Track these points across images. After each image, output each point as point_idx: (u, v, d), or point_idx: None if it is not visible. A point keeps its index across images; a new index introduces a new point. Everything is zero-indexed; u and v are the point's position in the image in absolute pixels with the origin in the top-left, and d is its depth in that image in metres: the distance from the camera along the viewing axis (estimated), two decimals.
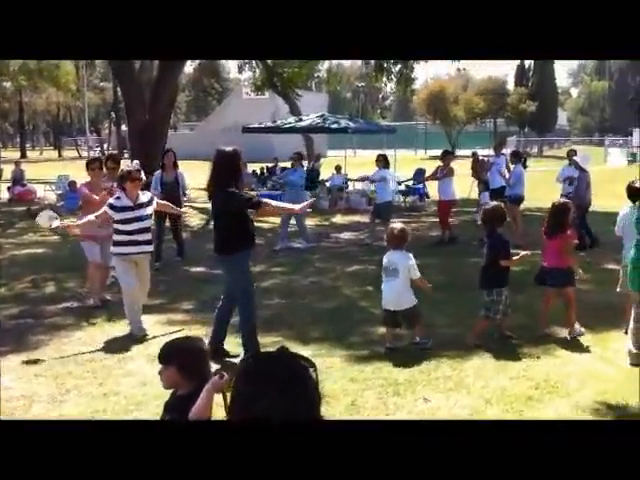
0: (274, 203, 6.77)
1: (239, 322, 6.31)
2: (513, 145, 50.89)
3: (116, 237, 6.99)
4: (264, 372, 1.63)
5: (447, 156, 13.21)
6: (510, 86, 60.05)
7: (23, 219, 16.71)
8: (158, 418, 4.38)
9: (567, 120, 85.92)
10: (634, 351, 5.94)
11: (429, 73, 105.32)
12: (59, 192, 20.57)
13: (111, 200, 6.97)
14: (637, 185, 6.67)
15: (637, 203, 6.24)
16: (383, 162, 13.34)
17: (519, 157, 13.92)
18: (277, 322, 7.39)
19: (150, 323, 7.26)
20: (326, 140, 45.54)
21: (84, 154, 52.73)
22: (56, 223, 7.17)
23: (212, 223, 6.70)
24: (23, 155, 52.27)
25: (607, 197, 17.11)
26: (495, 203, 7.32)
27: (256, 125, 21.39)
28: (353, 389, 5.44)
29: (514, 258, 6.66)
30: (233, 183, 5.98)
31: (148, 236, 7.12)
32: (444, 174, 12.88)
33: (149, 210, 7.09)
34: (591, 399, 5.15)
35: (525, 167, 13.59)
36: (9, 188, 22.50)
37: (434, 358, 6.08)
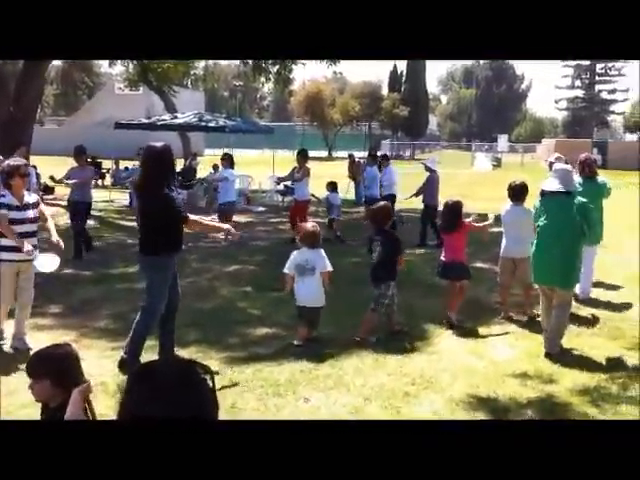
0: (204, 221, 6.20)
1: (138, 320, 5.83)
2: (387, 149, 52.55)
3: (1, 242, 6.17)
4: (155, 378, 1.58)
5: (301, 157, 13.17)
6: (384, 91, 61.85)
7: None
8: None
9: (437, 125, 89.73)
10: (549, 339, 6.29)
11: (306, 75, 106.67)
12: None
13: None
14: (519, 184, 7.43)
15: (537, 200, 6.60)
16: (228, 162, 13.35)
17: (375, 159, 14.36)
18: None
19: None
20: (203, 138, 44.91)
21: None
22: None
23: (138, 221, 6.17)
24: None
25: (475, 199, 18.00)
26: (382, 202, 7.52)
27: (129, 121, 20.68)
28: (233, 391, 5.35)
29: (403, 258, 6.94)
30: (165, 181, 5.63)
31: (35, 241, 6.35)
32: (301, 175, 12.96)
33: (36, 212, 6.33)
34: (463, 393, 5.34)
35: (380, 169, 14.01)
36: None
37: (314, 357, 6.09)
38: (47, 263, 6.47)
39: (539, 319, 6.92)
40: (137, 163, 12.57)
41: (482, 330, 7.08)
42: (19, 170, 6.19)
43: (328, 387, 5.45)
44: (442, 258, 7.37)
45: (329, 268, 6.53)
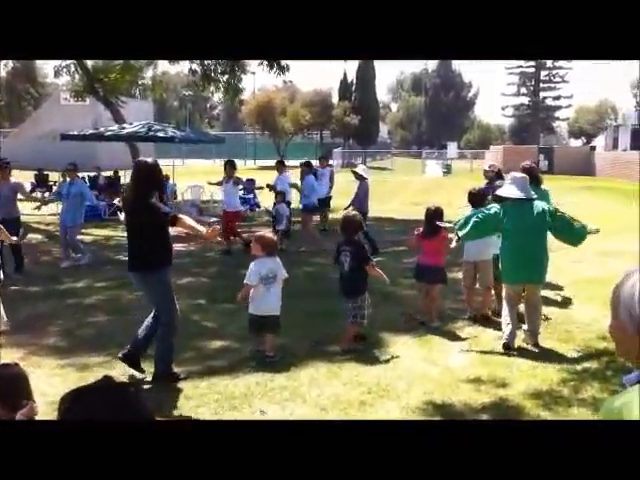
0: (189, 221, 6.04)
1: (162, 338, 5.87)
2: (339, 157, 52.84)
3: None
4: (88, 404, 1.53)
5: (229, 166, 13.12)
6: (335, 99, 62.19)
7: None
8: None
9: (388, 133, 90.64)
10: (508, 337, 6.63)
11: (257, 84, 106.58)
12: None
13: None
14: (478, 190, 7.89)
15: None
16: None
17: (311, 168, 14.44)
18: (105, 340, 6.99)
19: None
20: (153, 149, 44.35)
21: None
22: None
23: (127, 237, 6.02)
24: None
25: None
26: (353, 212, 7.54)
27: (76, 132, 20.28)
28: (188, 406, 5.27)
29: (377, 270, 6.87)
30: (155, 196, 5.66)
31: None
32: (231, 184, 12.91)
33: None
34: (419, 400, 5.37)
35: (316, 177, 14.13)
36: None
37: (269, 369, 6.04)
38: None
39: (496, 318, 7.23)
40: (68, 178, 12.14)
41: (437, 337, 7.13)
42: None
43: (284, 399, 5.41)
44: (419, 261, 7.70)
45: (286, 275, 6.54)
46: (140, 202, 5.66)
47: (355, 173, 12.89)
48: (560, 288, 9.18)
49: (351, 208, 10.75)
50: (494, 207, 6.80)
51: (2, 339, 7.11)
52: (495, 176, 9.03)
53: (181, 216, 5.95)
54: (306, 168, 14.20)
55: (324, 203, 15.03)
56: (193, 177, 26.70)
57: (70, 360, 6.41)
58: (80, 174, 23.71)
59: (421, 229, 7.70)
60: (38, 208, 12.82)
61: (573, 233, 6.73)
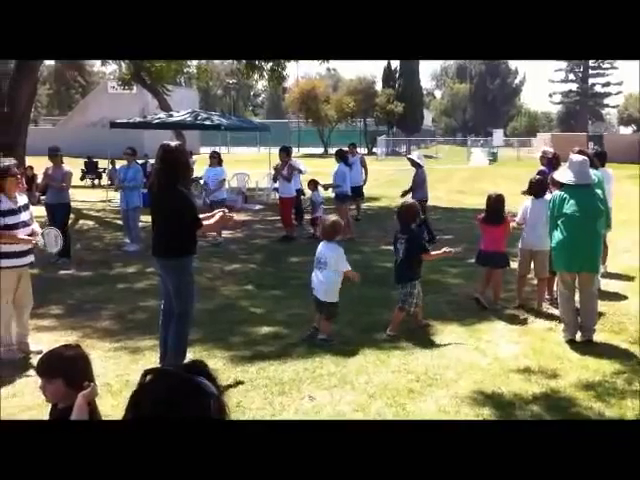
0: (207, 223, 5.80)
1: (177, 331, 5.67)
2: (383, 145, 52.58)
3: (2, 248, 5.91)
4: (158, 388, 1.58)
5: (284, 153, 13.13)
6: (378, 87, 61.78)
7: None
8: None
9: (432, 121, 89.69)
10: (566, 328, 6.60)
11: (300, 72, 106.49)
12: None
13: None
14: (539, 179, 7.87)
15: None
16: (217, 160, 13.37)
17: (342, 156, 14.33)
18: (154, 325, 7.09)
19: (16, 330, 6.76)
20: (198, 137, 44.82)
21: None
22: None
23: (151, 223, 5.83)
24: None
25: (475, 194, 18.02)
26: (410, 200, 7.61)
27: (125, 120, 20.61)
28: (237, 390, 5.33)
29: (434, 253, 6.97)
30: (181, 181, 5.53)
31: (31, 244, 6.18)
32: (286, 172, 12.90)
33: (28, 214, 6.15)
34: (469, 389, 5.34)
35: (348, 165, 14.01)
36: None
37: (318, 355, 6.09)
38: (52, 242, 6.46)
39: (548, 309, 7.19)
40: (125, 162, 12.41)
41: (485, 327, 7.08)
42: (10, 171, 6.00)
43: (332, 385, 5.44)
44: (482, 248, 7.80)
45: (341, 267, 6.50)
46: (165, 187, 5.55)
47: (411, 160, 12.71)
48: (610, 277, 9.01)
49: (409, 196, 10.73)
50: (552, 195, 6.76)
51: (57, 322, 7.32)
52: (550, 161, 8.86)
53: (204, 223, 5.72)
54: (336, 156, 14.14)
55: (357, 192, 14.83)
56: (238, 165, 26.92)
57: (123, 343, 6.56)
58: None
59: (482, 216, 7.72)
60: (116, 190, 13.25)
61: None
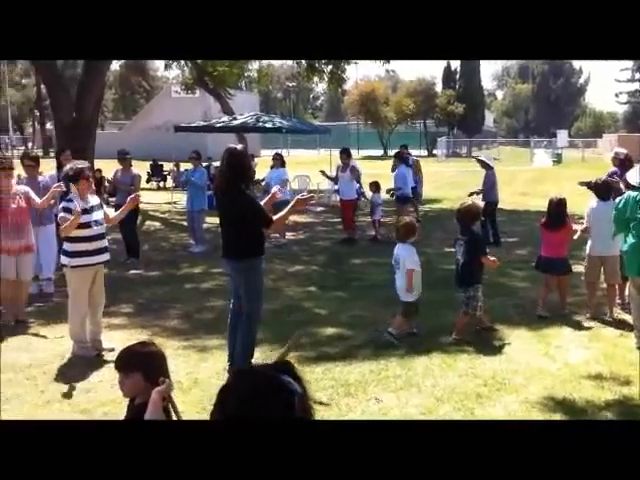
0: (277, 217, 5.90)
1: (245, 332, 5.79)
2: (444, 146, 52.07)
3: (72, 246, 6.14)
4: (243, 386, 1.59)
5: (345, 155, 13.07)
6: (438, 88, 61.20)
7: None
8: None
9: (493, 121, 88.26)
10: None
11: (359, 74, 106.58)
12: None
13: (65, 204, 6.14)
14: (605, 181, 7.60)
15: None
16: (279, 161, 13.46)
17: (401, 158, 14.19)
18: (223, 324, 7.20)
19: (90, 327, 6.98)
20: (259, 140, 45.32)
21: (7, 154, 50.74)
22: None
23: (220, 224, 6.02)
24: None
25: (538, 196, 17.66)
26: (471, 202, 7.50)
27: (189, 124, 21.02)
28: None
29: (491, 259, 6.74)
30: (245, 183, 5.69)
31: (105, 242, 6.42)
32: (347, 174, 12.87)
33: (100, 214, 6.36)
34: (539, 395, 5.25)
35: (409, 166, 13.87)
36: None
37: (383, 357, 6.08)
38: None
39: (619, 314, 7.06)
40: (191, 166, 12.67)
41: (553, 332, 6.93)
42: (83, 173, 6.20)
43: (399, 387, 5.43)
44: (542, 253, 7.59)
45: (409, 266, 6.53)
46: (231, 189, 5.64)
47: (481, 162, 12.53)
48: None
49: (477, 198, 10.58)
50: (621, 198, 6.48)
51: (128, 320, 7.52)
52: (622, 162, 8.61)
53: (273, 218, 5.80)
54: (396, 159, 14.05)
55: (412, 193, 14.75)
56: (299, 167, 27.10)
57: (191, 342, 6.70)
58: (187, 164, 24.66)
59: (543, 220, 7.54)
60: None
61: None
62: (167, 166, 26.28)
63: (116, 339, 6.68)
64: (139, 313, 7.81)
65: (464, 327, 6.70)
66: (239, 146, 5.88)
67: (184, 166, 25.97)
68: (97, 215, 6.30)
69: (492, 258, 6.75)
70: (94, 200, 6.39)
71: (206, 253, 11.58)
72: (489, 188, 11.96)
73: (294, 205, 5.87)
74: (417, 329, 6.76)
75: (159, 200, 20.11)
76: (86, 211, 6.18)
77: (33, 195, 7.37)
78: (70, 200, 6.16)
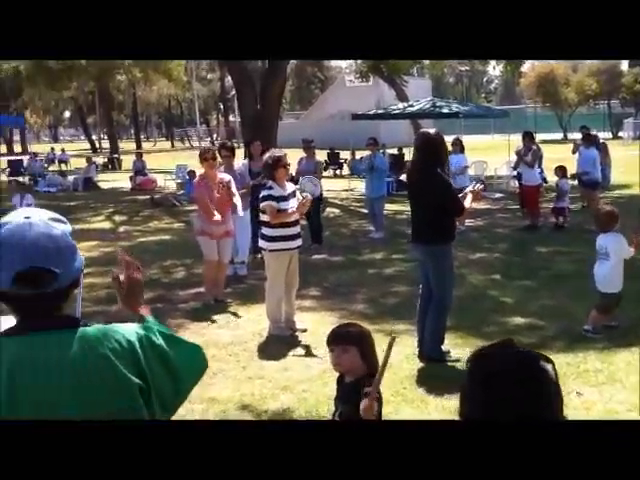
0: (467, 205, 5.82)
1: (435, 319, 5.76)
2: (630, 128, 48.43)
3: (271, 232, 6.46)
4: (496, 371, 1.54)
5: (528, 139, 12.54)
6: (624, 67, 56.93)
7: (147, 207, 17.45)
8: (298, 401, 4.44)
9: None
10: None
11: None
12: (179, 181, 21.33)
13: (266, 191, 6.47)
14: None
15: None
16: (459, 147, 13.10)
17: (591, 140, 13.18)
18: (408, 310, 7.28)
19: (284, 308, 7.33)
20: (431, 126, 44.80)
21: (195, 144, 54.40)
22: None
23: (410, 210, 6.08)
24: (138, 146, 54.03)
25: None
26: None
27: (366, 112, 21.28)
28: None
29: None
30: (440, 169, 5.69)
31: (299, 228, 6.71)
32: (530, 158, 12.31)
33: (295, 201, 6.59)
34: None
35: (598, 150, 12.85)
36: (131, 178, 23.54)
37: (580, 350, 5.83)
38: (312, 187, 6.89)
39: None
40: (368, 153, 12.82)
41: None
42: (281, 162, 6.48)
43: (600, 382, 5.18)
44: None
45: (626, 255, 6.15)
46: (427, 175, 5.59)
47: None
48: None
49: None
50: None
51: (317, 303, 7.82)
52: None
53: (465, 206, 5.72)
54: (584, 140, 13.20)
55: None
56: (474, 153, 26.47)
57: (379, 326, 6.79)
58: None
59: None
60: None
61: None
62: (343, 154, 26.83)
63: (307, 320, 6.98)
64: (326, 296, 8.08)
65: None
66: (432, 130, 5.86)
67: (359, 154, 26.49)
68: (293, 202, 6.56)
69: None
70: (290, 187, 6.67)
71: (385, 239, 11.72)
72: None
73: (472, 198, 5.80)
74: (617, 321, 6.39)
75: (337, 187, 20.60)
76: (284, 198, 6.46)
77: (233, 186, 7.88)
78: (270, 187, 6.48)
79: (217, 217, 7.54)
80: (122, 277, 2.03)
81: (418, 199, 5.82)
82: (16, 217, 1.69)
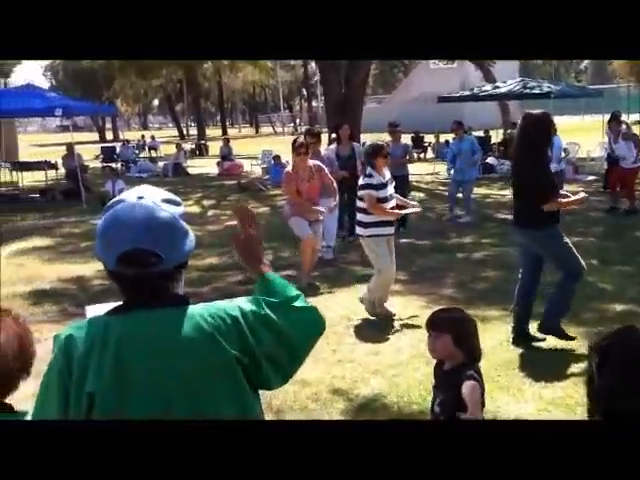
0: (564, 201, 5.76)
1: (567, 287, 5.68)
2: None
3: (367, 218, 6.51)
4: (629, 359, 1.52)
5: (614, 121, 12.24)
6: None
7: (234, 192, 17.77)
8: (389, 386, 4.42)
9: None
10: None
11: None
12: (264, 166, 21.63)
13: (366, 180, 6.50)
14: None
15: None
16: (554, 129, 12.58)
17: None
18: (499, 295, 7.13)
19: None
20: (521, 107, 43.53)
21: (279, 130, 55.00)
22: None
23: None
24: (224, 132, 55.04)
25: None
26: None
27: (452, 94, 20.89)
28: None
29: None
30: (542, 152, 5.58)
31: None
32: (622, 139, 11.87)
33: (392, 188, 6.66)
34: None
35: None
36: (218, 163, 24.04)
37: None
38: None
39: None
40: (453, 137, 12.58)
41: None
42: (382, 151, 6.56)
43: None
44: None
45: None
46: (531, 158, 5.45)
47: None
48: None
49: None
50: None
51: (405, 287, 7.76)
52: None
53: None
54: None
55: None
56: (565, 135, 25.56)
57: (471, 311, 6.54)
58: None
59: None
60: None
61: None
62: (427, 137, 26.44)
63: (397, 304, 6.93)
64: (414, 280, 8.01)
65: None
66: (536, 111, 5.63)
67: (443, 137, 26.05)
68: (390, 190, 6.58)
69: None
70: (387, 174, 6.67)
71: (473, 223, 11.50)
72: None
73: (575, 201, 5.84)
74: None
75: (421, 171, 20.35)
76: (383, 185, 6.48)
77: (327, 173, 7.95)
78: (370, 175, 6.50)
79: (311, 207, 7.77)
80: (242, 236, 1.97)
81: (522, 183, 5.64)
82: (130, 196, 1.73)
